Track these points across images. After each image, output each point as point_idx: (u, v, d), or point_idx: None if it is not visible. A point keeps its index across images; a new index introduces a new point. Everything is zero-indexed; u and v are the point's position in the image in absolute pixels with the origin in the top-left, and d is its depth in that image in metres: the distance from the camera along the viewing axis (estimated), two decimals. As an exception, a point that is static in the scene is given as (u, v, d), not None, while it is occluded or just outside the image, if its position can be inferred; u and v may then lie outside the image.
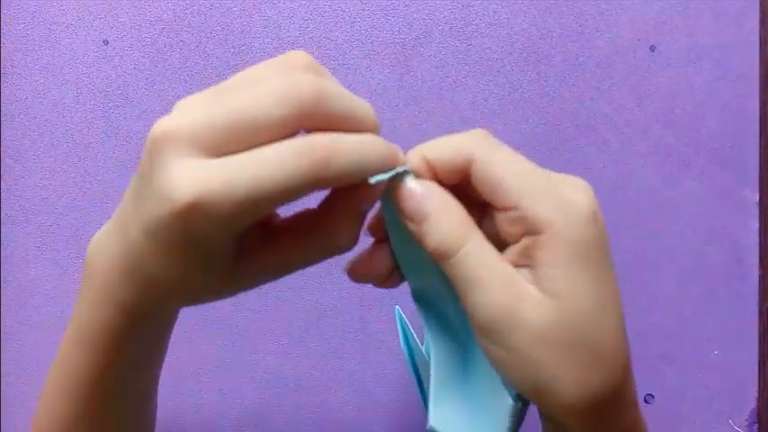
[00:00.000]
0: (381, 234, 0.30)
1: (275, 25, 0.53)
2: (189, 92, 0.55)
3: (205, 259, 0.26)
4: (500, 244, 0.28)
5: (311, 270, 0.28)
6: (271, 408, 0.53)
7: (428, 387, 0.34)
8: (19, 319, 0.53)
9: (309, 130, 0.25)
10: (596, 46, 0.53)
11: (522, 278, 0.26)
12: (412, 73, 0.53)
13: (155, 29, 0.53)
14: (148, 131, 0.25)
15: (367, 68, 0.53)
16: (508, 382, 0.27)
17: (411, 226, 0.27)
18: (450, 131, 0.29)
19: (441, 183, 0.28)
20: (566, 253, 0.26)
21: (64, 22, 0.53)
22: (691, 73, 0.53)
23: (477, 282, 0.26)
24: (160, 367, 0.36)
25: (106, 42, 0.53)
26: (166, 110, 0.26)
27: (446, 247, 0.27)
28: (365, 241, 0.30)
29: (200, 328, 0.53)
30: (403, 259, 0.30)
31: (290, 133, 0.24)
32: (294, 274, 0.28)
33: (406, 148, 0.28)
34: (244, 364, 0.53)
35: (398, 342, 0.49)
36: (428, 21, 0.53)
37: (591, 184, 0.29)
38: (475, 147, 0.27)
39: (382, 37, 0.53)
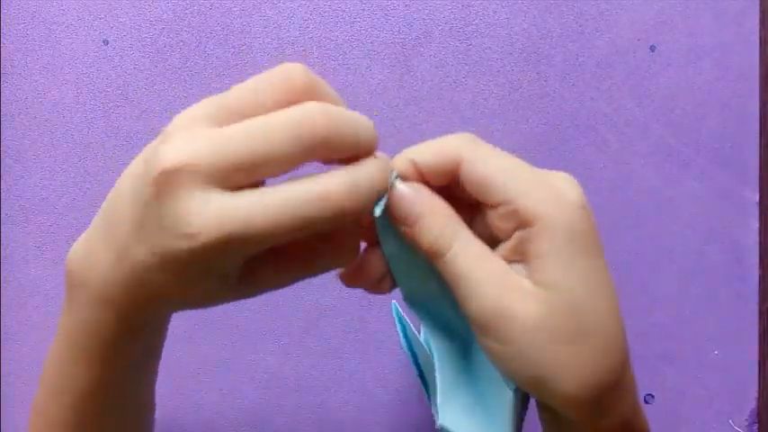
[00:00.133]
0: (373, 239, 0.30)
1: (275, 25, 0.53)
2: (189, 92, 0.55)
3: (215, 280, 0.26)
4: (493, 244, 0.28)
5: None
6: (271, 408, 0.53)
7: (431, 379, 0.34)
8: (19, 319, 0.53)
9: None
10: (596, 46, 0.53)
11: (513, 272, 0.27)
12: (412, 73, 0.53)
13: (155, 29, 0.53)
14: (148, 133, 0.25)
15: (367, 68, 0.53)
16: (507, 376, 0.28)
17: (403, 228, 0.28)
18: (450, 131, 0.29)
19: (429, 186, 0.28)
20: (557, 243, 0.26)
21: (64, 22, 0.53)
22: (691, 73, 0.53)
23: (469, 278, 0.27)
24: (156, 371, 0.36)
25: (106, 42, 0.53)
26: (166, 110, 0.26)
27: (438, 246, 0.27)
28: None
29: (200, 328, 0.53)
30: (395, 264, 0.30)
31: (302, 163, 0.25)
32: None
33: (407, 148, 0.29)
34: (244, 364, 0.53)
35: (398, 341, 0.49)
36: (428, 21, 0.53)
37: (591, 184, 0.29)
38: (462, 148, 0.28)
39: (382, 37, 0.53)
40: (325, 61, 0.53)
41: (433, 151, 0.28)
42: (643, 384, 0.52)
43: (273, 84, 0.26)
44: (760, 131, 0.52)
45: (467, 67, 0.53)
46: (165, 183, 0.24)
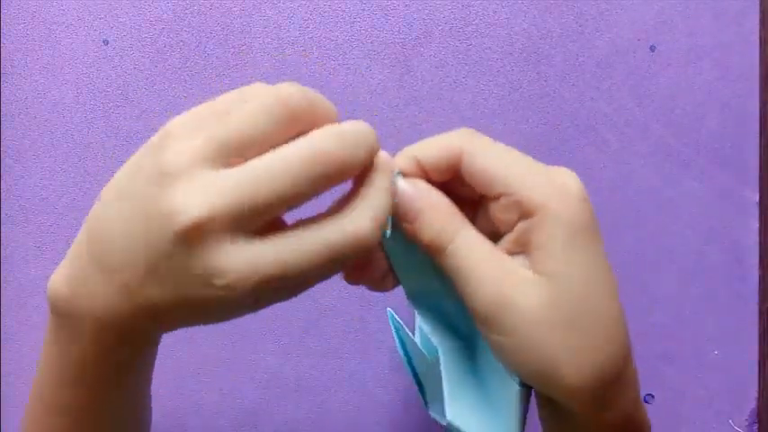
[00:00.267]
0: None
1: (275, 25, 0.53)
2: (189, 92, 0.55)
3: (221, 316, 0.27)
4: (495, 239, 0.28)
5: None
6: (271, 408, 0.53)
7: (427, 383, 0.34)
8: (19, 319, 0.53)
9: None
10: (596, 46, 0.53)
11: (514, 263, 0.27)
12: (412, 73, 0.53)
13: (155, 29, 0.53)
14: (148, 133, 0.25)
15: (367, 68, 0.53)
16: (511, 369, 0.28)
17: (404, 224, 0.28)
18: (453, 131, 0.29)
19: (431, 182, 0.28)
20: (559, 233, 0.26)
21: (64, 22, 0.53)
22: (691, 73, 0.53)
23: (470, 271, 0.27)
24: (152, 374, 0.35)
25: (106, 42, 0.53)
26: (166, 110, 0.26)
27: (439, 241, 0.27)
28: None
29: (201, 328, 0.52)
30: (397, 261, 0.30)
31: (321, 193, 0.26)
32: None
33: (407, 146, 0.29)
34: (244, 364, 0.53)
35: (395, 340, 0.49)
36: (428, 21, 0.53)
37: (591, 184, 0.29)
38: (462, 141, 0.28)
39: (382, 37, 0.53)
40: (325, 61, 0.53)
41: (434, 147, 0.28)
42: (643, 384, 0.52)
43: (274, 115, 0.25)
44: (760, 131, 0.52)
45: (467, 67, 0.53)
46: (190, 239, 0.23)
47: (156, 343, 0.32)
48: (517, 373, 0.28)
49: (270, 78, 0.52)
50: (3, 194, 0.53)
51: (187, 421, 0.53)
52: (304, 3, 0.53)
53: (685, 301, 0.52)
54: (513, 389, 0.28)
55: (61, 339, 0.29)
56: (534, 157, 0.28)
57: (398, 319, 0.41)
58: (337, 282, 0.53)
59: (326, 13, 0.53)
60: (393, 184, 0.27)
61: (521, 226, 0.27)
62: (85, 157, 0.53)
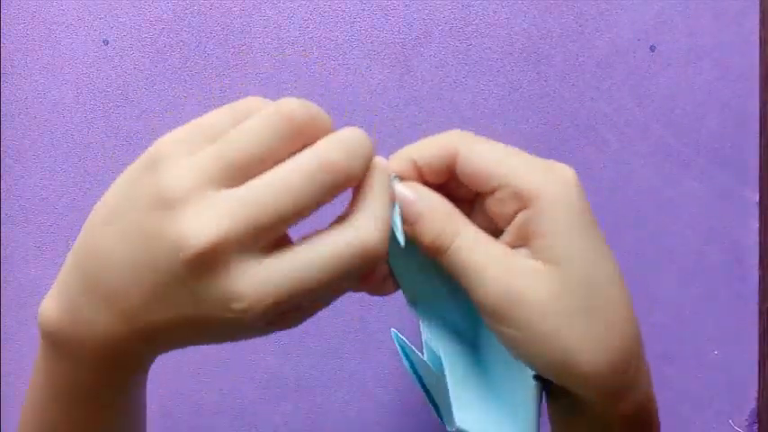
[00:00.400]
0: None
1: (275, 25, 0.53)
2: (189, 92, 0.55)
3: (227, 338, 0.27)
4: (495, 235, 0.28)
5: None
6: (271, 408, 0.53)
7: (438, 398, 0.34)
8: (19, 319, 0.53)
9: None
10: (596, 46, 0.53)
11: (518, 255, 0.27)
12: (412, 73, 0.53)
13: (155, 29, 0.53)
14: (148, 133, 0.25)
15: (367, 68, 0.53)
16: (526, 362, 0.27)
17: (405, 227, 0.28)
18: (447, 131, 0.29)
19: (427, 183, 0.29)
20: (559, 219, 0.26)
21: (64, 22, 0.53)
22: (691, 73, 0.52)
23: (475, 268, 0.27)
24: (144, 397, 0.35)
25: (106, 42, 0.53)
26: (166, 110, 0.26)
27: (440, 242, 0.27)
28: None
29: (200, 328, 0.52)
30: (397, 267, 0.30)
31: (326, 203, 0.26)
32: None
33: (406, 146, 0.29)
34: (244, 364, 0.53)
35: (403, 361, 0.49)
36: (428, 21, 0.53)
37: (591, 184, 0.29)
38: (456, 140, 0.28)
39: (382, 37, 0.53)
40: (325, 61, 0.53)
41: (428, 147, 0.28)
42: (643, 384, 0.52)
43: (279, 131, 0.25)
44: (760, 131, 0.52)
45: (467, 67, 0.53)
46: (204, 265, 0.23)
47: (149, 365, 0.31)
48: (533, 366, 0.27)
49: (270, 78, 0.52)
50: (3, 194, 0.53)
51: (187, 421, 0.53)
52: (304, 3, 0.53)
53: (685, 301, 0.52)
54: (529, 384, 0.28)
55: (52, 364, 0.29)
56: (534, 157, 0.28)
57: (403, 337, 0.40)
58: (337, 282, 0.53)
59: (326, 13, 0.53)
60: (391, 188, 0.28)
61: (519, 218, 0.27)
62: (85, 157, 0.53)
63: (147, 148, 0.26)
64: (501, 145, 0.28)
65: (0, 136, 0.53)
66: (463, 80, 0.53)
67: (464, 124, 0.53)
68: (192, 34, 0.53)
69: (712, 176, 0.52)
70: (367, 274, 0.30)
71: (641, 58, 0.52)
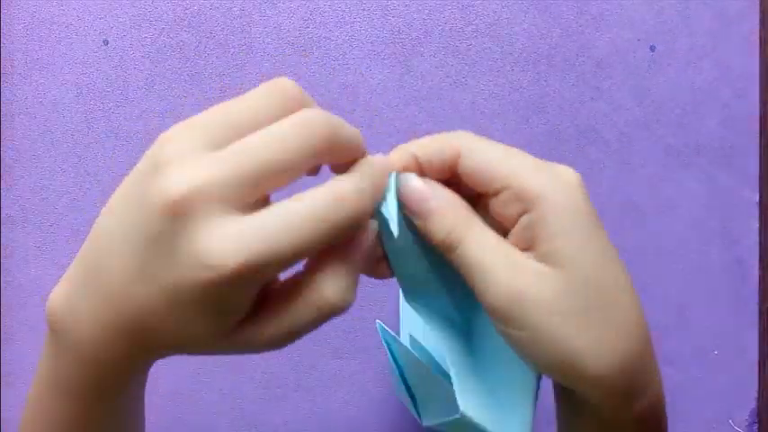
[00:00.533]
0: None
1: (275, 25, 0.53)
2: (189, 92, 0.55)
3: (219, 319, 0.25)
4: (500, 235, 0.28)
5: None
6: (271, 408, 0.53)
7: (418, 391, 0.34)
8: (19, 319, 0.53)
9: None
10: (596, 46, 0.53)
11: (524, 256, 0.27)
12: (412, 73, 0.53)
13: (155, 29, 0.53)
14: (148, 133, 0.25)
15: (367, 68, 0.53)
16: (531, 362, 0.27)
17: (416, 222, 0.28)
18: (450, 131, 0.29)
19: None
20: (563, 223, 0.26)
21: (64, 22, 0.53)
22: (691, 73, 0.53)
23: (480, 267, 0.27)
24: (142, 399, 0.35)
25: (106, 42, 0.53)
26: (166, 110, 0.26)
27: (450, 240, 0.27)
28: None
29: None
30: (395, 259, 0.30)
31: (307, 169, 0.25)
32: (295, 270, 0.28)
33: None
34: (244, 364, 0.53)
35: (386, 351, 0.49)
36: (428, 21, 0.53)
37: (591, 184, 0.29)
38: (459, 140, 0.28)
39: (382, 37, 0.53)
40: (325, 61, 0.53)
41: (430, 144, 0.28)
42: (643, 384, 0.52)
43: (272, 98, 0.26)
44: (760, 131, 0.52)
45: (467, 67, 0.53)
46: (177, 212, 0.23)
47: (145, 367, 0.31)
48: (539, 367, 0.27)
49: (270, 78, 0.52)
50: (3, 194, 0.53)
51: (187, 421, 0.53)
52: (304, 3, 0.53)
53: (685, 301, 0.52)
54: (525, 375, 0.28)
55: (53, 359, 0.29)
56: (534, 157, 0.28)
57: (389, 329, 0.41)
58: (337, 282, 0.53)
59: (326, 13, 0.53)
60: (406, 181, 0.28)
61: (524, 220, 0.27)
62: (85, 157, 0.53)
63: (146, 148, 0.26)
64: (504, 146, 0.28)
65: (0, 136, 0.53)
66: (463, 80, 0.53)
67: (464, 124, 0.53)
68: (192, 34, 0.53)
69: (712, 176, 0.52)
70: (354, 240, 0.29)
71: (641, 58, 0.52)
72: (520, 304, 0.26)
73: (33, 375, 0.32)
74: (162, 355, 0.28)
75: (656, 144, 0.52)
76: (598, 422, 0.28)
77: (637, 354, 0.26)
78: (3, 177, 0.53)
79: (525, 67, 0.53)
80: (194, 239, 0.23)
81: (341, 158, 0.26)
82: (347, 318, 0.53)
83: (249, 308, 0.26)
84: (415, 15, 0.53)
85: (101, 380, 0.28)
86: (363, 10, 0.53)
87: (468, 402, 0.29)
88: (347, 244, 0.26)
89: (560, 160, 0.50)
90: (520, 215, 0.27)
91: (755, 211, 0.52)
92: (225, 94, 0.53)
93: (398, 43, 0.53)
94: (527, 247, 0.27)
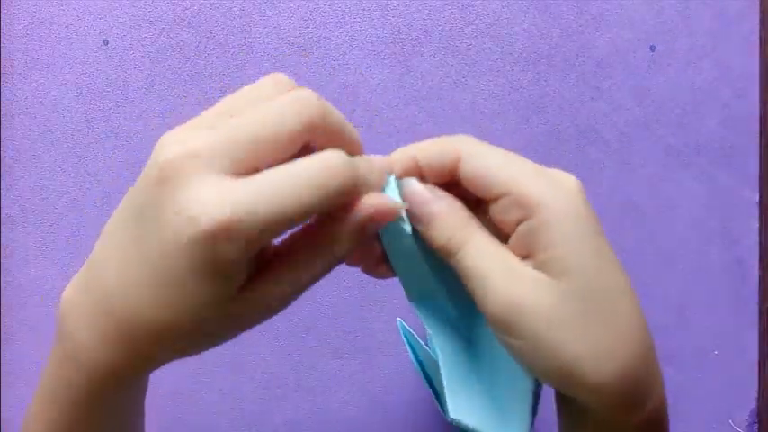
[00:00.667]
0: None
1: (275, 25, 0.53)
2: (189, 92, 0.55)
3: (211, 290, 0.25)
4: (501, 241, 0.28)
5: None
6: (271, 408, 0.53)
7: (440, 385, 0.34)
8: (19, 319, 0.53)
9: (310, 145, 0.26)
10: (596, 46, 0.53)
11: (523, 264, 0.26)
12: (412, 73, 0.53)
13: (155, 29, 0.53)
14: (148, 133, 0.25)
15: (367, 68, 0.53)
16: (530, 371, 0.27)
17: (418, 226, 0.28)
18: (450, 131, 0.29)
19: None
20: (562, 230, 0.26)
21: (64, 22, 0.53)
22: (691, 73, 0.52)
23: (480, 275, 0.27)
24: (142, 401, 0.34)
25: (106, 42, 0.53)
26: (166, 110, 0.26)
27: (451, 245, 0.27)
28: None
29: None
30: (396, 261, 0.30)
31: (300, 147, 0.25)
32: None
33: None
34: (244, 364, 0.53)
35: (401, 345, 0.50)
36: (428, 21, 0.53)
37: (591, 184, 0.29)
38: (459, 144, 0.28)
39: (382, 37, 0.53)
40: (325, 61, 0.53)
41: (431, 148, 0.28)
42: (643, 384, 0.52)
43: (266, 88, 0.27)
44: (760, 131, 0.52)
45: (467, 67, 0.53)
46: (171, 174, 0.24)
47: (141, 376, 0.30)
48: (539, 376, 0.27)
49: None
50: (3, 194, 0.53)
51: (187, 421, 0.53)
52: (304, 3, 0.53)
53: (685, 301, 0.52)
54: (524, 381, 0.28)
55: (53, 354, 0.29)
56: (534, 158, 0.28)
57: (409, 327, 0.41)
58: (337, 282, 0.53)
59: (326, 13, 0.53)
60: (408, 185, 0.28)
61: (523, 228, 0.26)
62: (85, 157, 0.53)
63: (146, 148, 0.27)
64: (505, 152, 0.28)
65: (0, 136, 0.53)
66: (463, 80, 0.53)
67: (464, 124, 0.53)
68: (192, 34, 0.53)
69: (712, 176, 0.52)
70: (361, 250, 0.30)
71: (641, 58, 0.52)
72: (518, 313, 0.26)
73: (39, 375, 0.32)
74: (160, 360, 0.28)
75: (656, 144, 0.52)
76: (600, 429, 0.28)
77: (638, 360, 0.26)
78: (3, 177, 0.53)
79: (525, 67, 0.53)
80: (180, 198, 0.23)
81: (333, 140, 0.26)
82: (347, 318, 0.53)
83: (246, 274, 0.26)
84: (415, 15, 0.53)
85: (94, 383, 0.28)
86: (363, 10, 0.53)
87: (460, 405, 0.29)
88: (353, 205, 0.27)
89: (560, 160, 0.50)
90: (519, 222, 0.27)
91: (755, 211, 0.52)
92: (225, 94, 0.52)
93: (398, 43, 0.53)
94: (526, 254, 0.27)
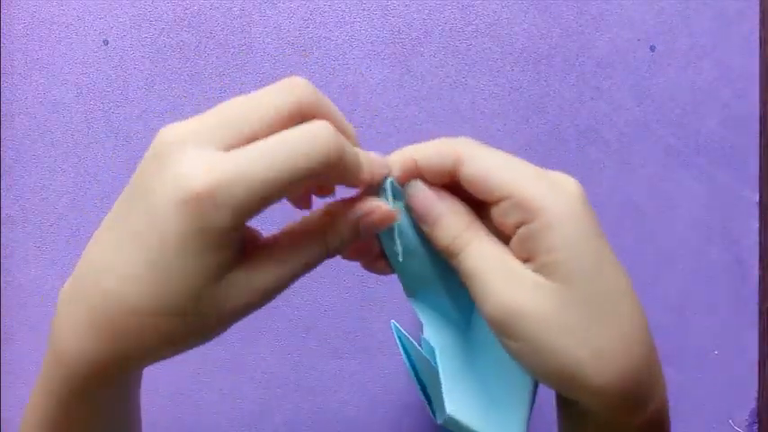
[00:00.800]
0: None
1: (275, 25, 0.53)
2: (189, 92, 0.55)
3: (197, 266, 0.25)
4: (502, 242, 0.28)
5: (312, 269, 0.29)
6: (271, 408, 0.53)
7: (433, 393, 0.34)
8: (19, 319, 0.53)
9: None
10: (596, 46, 0.53)
11: (523, 267, 0.26)
12: (412, 73, 0.53)
13: (155, 29, 0.53)
14: (148, 133, 0.26)
15: (367, 68, 0.53)
16: (531, 373, 0.27)
17: (423, 227, 0.29)
18: (450, 131, 0.29)
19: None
20: (562, 233, 0.26)
21: (64, 22, 0.53)
22: (691, 73, 0.52)
23: (480, 278, 0.27)
24: (138, 405, 0.34)
25: (106, 42, 0.53)
26: (166, 110, 0.26)
27: (454, 246, 0.28)
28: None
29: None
30: (395, 258, 0.30)
31: (289, 125, 0.26)
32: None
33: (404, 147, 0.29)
34: (244, 364, 0.53)
35: (400, 351, 0.49)
36: (428, 21, 0.53)
37: (591, 184, 0.29)
38: (460, 147, 0.28)
39: (382, 37, 0.53)
40: (325, 61, 0.53)
41: (431, 149, 0.28)
42: (643, 384, 0.52)
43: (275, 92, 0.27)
44: (760, 131, 0.52)
45: (467, 67, 0.53)
46: (163, 149, 0.24)
47: (127, 374, 0.30)
48: (539, 378, 0.27)
49: (270, 78, 0.52)
50: (3, 194, 0.53)
51: (187, 421, 0.53)
52: (304, 3, 0.53)
53: (685, 301, 0.52)
54: (523, 379, 0.28)
55: (47, 353, 0.29)
56: (535, 157, 0.28)
57: (402, 329, 0.41)
58: (337, 282, 0.53)
59: (326, 13, 0.53)
60: (414, 187, 0.28)
61: (524, 230, 0.26)
62: (85, 157, 0.53)
63: (146, 148, 0.27)
64: (505, 154, 0.28)
65: (0, 136, 0.53)
66: (463, 80, 0.53)
67: (464, 124, 0.53)
68: (192, 34, 0.53)
69: (712, 176, 0.52)
70: (359, 245, 0.30)
71: (641, 58, 0.52)
72: (517, 317, 0.26)
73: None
74: (140, 354, 0.27)
75: (656, 144, 0.52)
76: (601, 431, 0.28)
77: (640, 362, 0.26)
78: (3, 177, 0.53)
79: (525, 67, 0.53)
80: (170, 168, 0.24)
81: (328, 114, 0.27)
82: (347, 318, 0.53)
83: (233, 251, 0.25)
84: (415, 15, 0.53)
85: (75, 380, 0.27)
86: (363, 10, 0.53)
87: (458, 404, 0.29)
88: (354, 202, 0.28)
89: (560, 160, 0.50)
90: (520, 225, 0.26)
91: (755, 211, 0.52)
92: (225, 94, 0.53)
93: (398, 43, 0.53)
94: (527, 257, 0.27)
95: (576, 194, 0.27)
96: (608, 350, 0.25)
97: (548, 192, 0.26)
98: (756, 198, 0.52)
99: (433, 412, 0.41)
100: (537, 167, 0.27)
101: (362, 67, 0.53)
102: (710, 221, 0.52)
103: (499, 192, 0.27)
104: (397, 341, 0.42)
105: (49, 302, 0.53)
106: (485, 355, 0.30)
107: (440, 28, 0.53)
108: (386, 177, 0.28)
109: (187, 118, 0.27)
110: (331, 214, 0.28)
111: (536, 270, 0.26)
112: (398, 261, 0.30)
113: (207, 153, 0.24)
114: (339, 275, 0.52)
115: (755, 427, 0.52)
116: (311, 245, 0.28)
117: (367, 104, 0.53)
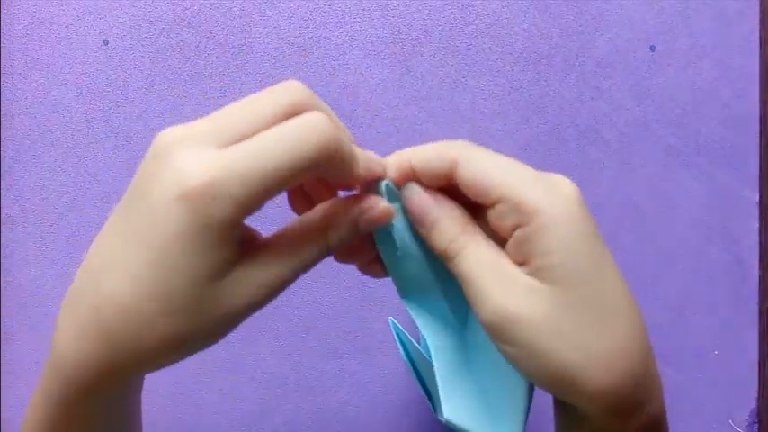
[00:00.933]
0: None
1: (275, 25, 0.53)
2: (189, 92, 0.55)
3: (197, 263, 0.24)
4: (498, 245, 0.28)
5: (312, 269, 0.29)
6: (271, 408, 0.53)
7: (434, 389, 0.34)
8: (19, 320, 0.53)
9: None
10: (596, 46, 0.53)
11: (518, 271, 0.26)
12: (412, 73, 0.53)
13: (155, 29, 0.53)
14: (148, 133, 0.26)
15: (367, 68, 0.53)
16: (527, 377, 0.27)
17: (420, 230, 0.28)
18: (450, 131, 0.29)
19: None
20: (558, 236, 0.26)
21: (64, 22, 0.53)
22: (691, 73, 0.52)
23: (475, 281, 0.27)
24: (138, 406, 0.34)
25: (106, 42, 0.53)
26: (166, 110, 0.26)
27: (450, 250, 0.28)
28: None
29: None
30: (389, 259, 0.30)
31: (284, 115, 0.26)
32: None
33: (404, 149, 0.29)
34: (244, 364, 0.53)
35: (399, 348, 0.49)
36: (428, 21, 0.53)
37: (591, 184, 0.29)
38: (456, 149, 0.28)
39: (382, 37, 0.53)
40: (325, 61, 0.53)
41: (427, 152, 0.28)
42: (643, 384, 0.52)
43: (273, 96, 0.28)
44: (760, 131, 0.52)
45: (467, 67, 0.53)
46: (162, 151, 0.25)
47: (126, 378, 0.29)
48: (535, 381, 0.27)
49: (270, 78, 0.52)
50: (3, 194, 0.53)
51: (187, 421, 0.53)
52: (304, 3, 0.53)
53: (685, 301, 0.52)
54: (518, 380, 0.28)
55: (48, 359, 0.29)
56: (535, 158, 0.28)
57: (400, 326, 0.41)
58: (337, 282, 0.53)
59: (326, 13, 0.53)
60: (411, 190, 0.28)
61: (519, 234, 0.26)
62: (85, 157, 0.53)
63: (146, 148, 0.27)
64: (502, 157, 0.28)
65: (0, 136, 0.53)
66: (463, 80, 0.53)
67: (464, 124, 0.53)
68: (192, 34, 0.53)
69: (712, 176, 0.52)
70: (353, 246, 0.30)
71: (641, 58, 0.52)
72: (511, 321, 0.26)
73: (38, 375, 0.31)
74: (143, 361, 0.26)
75: (656, 144, 0.52)
76: None
77: (636, 366, 0.26)
78: (3, 177, 0.53)
79: (525, 67, 0.53)
80: (169, 167, 0.24)
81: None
82: (347, 318, 0.53)
83: (233, 249, 0.25)
84: (415, 15, 0.53)
85: (74, 384, 0.27)
86: (363, 10, 0.53)
87: (455, 407, 0.29)
88: (353, 199, 0.28)
89: (560, 160, 0.50)
90: (516, 227, 0.26)
91: (755, 211, 0.52)
92: (225, 94, 0.53)
93: (398, 43, 0.53)
94: (523, 260, 0.26)
95: (572, 197, 0.26)
96: (604, 354, 0.25)
97: (544, 194, 0.26)
98: (756, 198, 0.52)
99: (434, 407, 0.41)
100: (533, 170, 0.27)
101: (362, 67, 0.53)
102: (710, 221, 0.52)
103: (495, 194, 0.27)
104: (396, 338, 0.42)
105: (49, 302, 0.53)
106: (481, 357, 0.30)
107: (440, 28, 0.53)
108: (381, 180, 0.28)
109: (187, 118, 0.27)
110: (330, 211, 0.28)
111: (531, 273, 0.26)
112: (393, 263, 0.30)
113: (205, 151, 0.24)
114: (339, 275, 0.52)
115: (755, 427, 0.52)
116: (312, 241, 0.28)
117: (367, 104, 0.53)
